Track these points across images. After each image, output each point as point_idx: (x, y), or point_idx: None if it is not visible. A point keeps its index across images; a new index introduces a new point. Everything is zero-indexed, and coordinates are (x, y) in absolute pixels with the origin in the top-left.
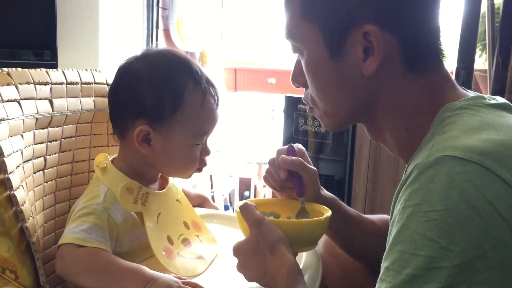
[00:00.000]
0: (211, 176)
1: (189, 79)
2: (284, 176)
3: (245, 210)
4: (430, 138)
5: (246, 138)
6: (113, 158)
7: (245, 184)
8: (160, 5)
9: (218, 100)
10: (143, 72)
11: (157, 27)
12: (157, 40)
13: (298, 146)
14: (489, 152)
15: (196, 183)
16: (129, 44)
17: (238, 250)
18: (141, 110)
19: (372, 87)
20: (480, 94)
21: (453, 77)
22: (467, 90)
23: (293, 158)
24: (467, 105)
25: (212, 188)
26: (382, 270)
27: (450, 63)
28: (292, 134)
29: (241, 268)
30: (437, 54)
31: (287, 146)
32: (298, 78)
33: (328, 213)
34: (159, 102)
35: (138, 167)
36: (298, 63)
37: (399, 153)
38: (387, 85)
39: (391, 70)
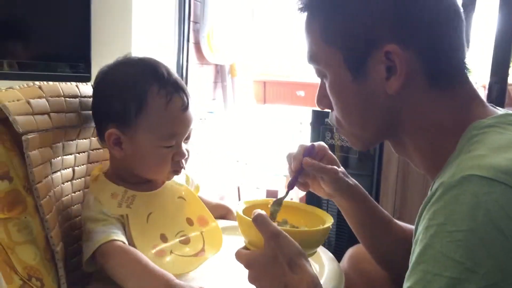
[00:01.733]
0: (238, 188)
1: (153, 83)
2: (295, 168)
3: (260, 222)
4: (457, 156)
5: (274, 151)
6: (107, 169)
7: (272, 196)
8: (192, 19)
9: (187, 103)
10: (111, 78)
11: (188, 40)
12: (187, 53)
13: (321, 144)
14: None
15: (223, 194)
16: (161, 57)
17: (252, 262)
18: (110, 115)
19: (396, 105)
20: (510, 112)
21: (485, 91)
22: (497, 107)
23: (314, 162)
24: (495, 123)
25: (239, 199)
26: None
27: (483, 77)
28: None
29: (254, 280)
30: (461, 70)
31: (309, 145)
32: (323, 100)
33: (330, 219)
34: (124, 106)
35: (121, 171)
36: (322, 86)
37: (425, 170)
38: (411, 102)
39: (414, 88)
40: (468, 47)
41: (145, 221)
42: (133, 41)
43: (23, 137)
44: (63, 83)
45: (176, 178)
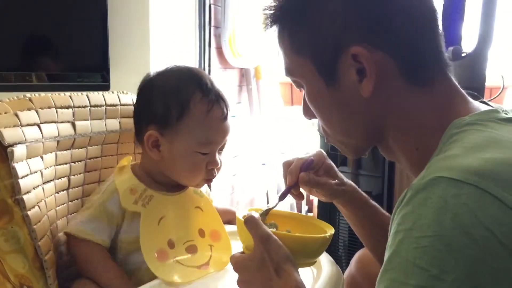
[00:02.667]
0: (267, 192)
1: (197, 90)
2: (290, 183)
3: (251, 224)
4: (435, 157)
5: (303, 153)
6: (136, 162)
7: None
8: (213, 23)
9: (227, 113)
10: (157, 83)
11: (209, 46)
12: (209, 58)
13: (319, 154)
14: (488, 173)
15: (252, 198)
16: (181, 63)
17: (240, 266)
18: (152, 117)
19: (375, 108)
20: (495, 108)
21: None
22: (488, 103)
23: (310, 177)
24: (476, 121)
25: (268, 203)
26: None
27: None
28: (329, 150)
29: (242, 283)
30: (438, 66)
31: (308, 159)
32: (308, 111)
33: (331, 231)
34: (167, 109)
35: (152, 172)
36: (304, 97)
37: (412, 173)
38: (391, 103)
39: (391, 88)
40: (491, 40)
41: (156, 224)
42: (151, 49)
43: (8, 149)
44: (56, 94)
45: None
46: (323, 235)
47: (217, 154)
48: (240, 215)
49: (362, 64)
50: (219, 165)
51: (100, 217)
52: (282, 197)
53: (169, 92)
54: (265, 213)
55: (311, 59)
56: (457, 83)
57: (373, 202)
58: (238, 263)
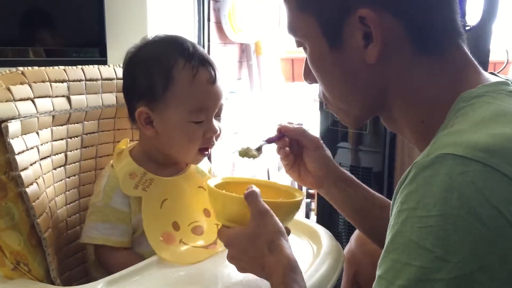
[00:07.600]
0: (268, 170)
1: (179, 57)
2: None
3: (251, 198)
4: (441, 131)
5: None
6: (133, 145)
7: None
8: None
9: (215, 76)
10: (137, 57)
11: (208, 20)
12: (208, 33)
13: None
14: (497, 149)
15: (254, 174)
16: None
17: (231, 240)
18: (139, 93)
19: (380, 75)
20: (505, 79)
21: None
22: (498, 75)
23: (296, 126)
24: (485, 93)
25: (269, 179)
26: (376, 279)
27: None
28: (329, 125)
29: (233, 259)
30: (450, 33)
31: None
32: (309, 74)
33: (301, 195)
34: (151, 82)
35: (150, 152)
36: (307, 59)
37: (418, 147)
38: (397, 71)
39: (398, 55)
40: (496, 14)
41: (159, 207)
42: (149, 24)
43: (2, 125)
44: (49, 68)
45: (200, 166)
46: (298, 199)
47: (214, 120)
48: (212, 184)
49: (369, 28)
50: (218, 132)
51: (110, 219)
52: (269, 141)
53: (150, 64)
54: (259, 149)
55: (316, 18)
56: (469, 54)
57: (365, 186)
58: (229, 237)
